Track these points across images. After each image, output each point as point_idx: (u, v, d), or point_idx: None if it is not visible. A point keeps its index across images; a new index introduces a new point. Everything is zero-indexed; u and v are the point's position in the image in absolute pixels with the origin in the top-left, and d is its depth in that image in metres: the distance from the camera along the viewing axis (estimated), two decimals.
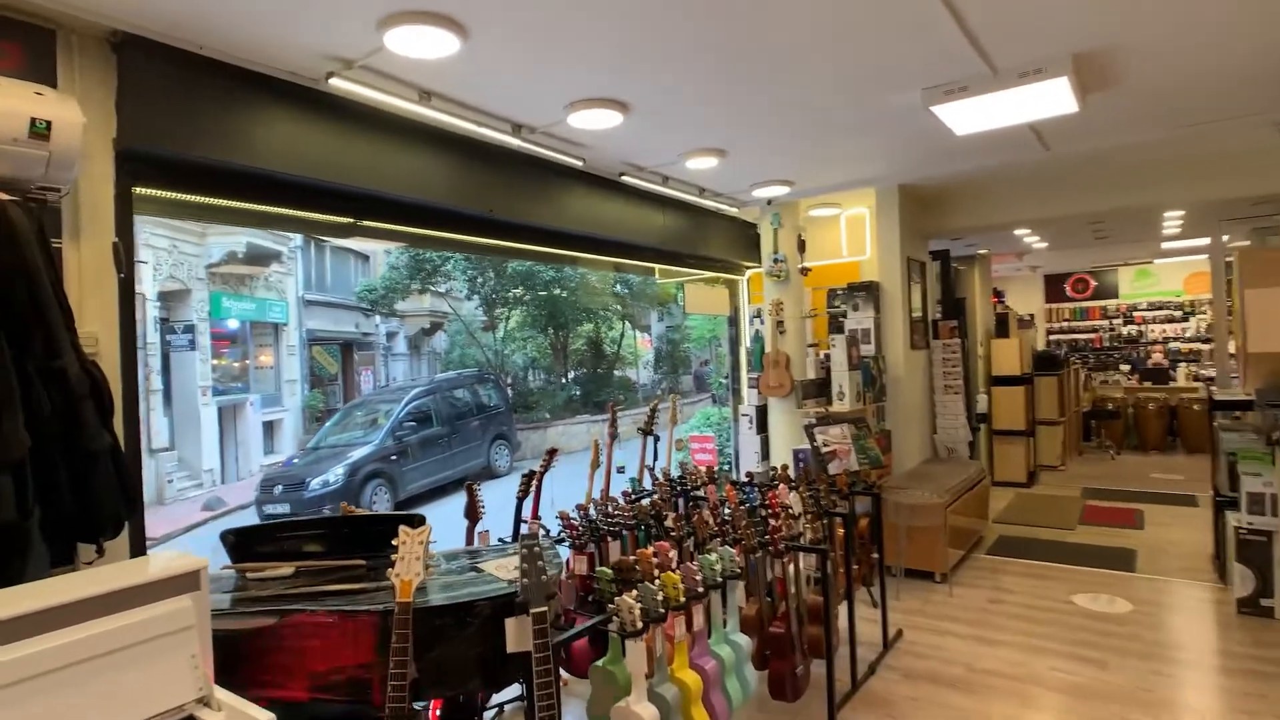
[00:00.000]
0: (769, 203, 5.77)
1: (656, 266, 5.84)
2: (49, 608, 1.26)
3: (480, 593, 2.02)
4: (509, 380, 17.28)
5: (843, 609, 3.60)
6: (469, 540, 2.98)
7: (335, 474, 9.58)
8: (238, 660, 1.92)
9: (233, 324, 15.45)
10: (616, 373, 19.15)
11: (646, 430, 4.15)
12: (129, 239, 2.54)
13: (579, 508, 3.26)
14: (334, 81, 2.88)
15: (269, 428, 16.44)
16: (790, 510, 3.21)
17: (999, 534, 6.13)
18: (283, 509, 9.42)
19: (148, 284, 12.50)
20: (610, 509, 3.24)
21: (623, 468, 3.99)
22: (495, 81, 3.02)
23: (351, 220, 3.27)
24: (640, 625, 2.21)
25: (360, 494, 9.69)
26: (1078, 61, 3.15)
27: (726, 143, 4.12)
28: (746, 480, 4.04)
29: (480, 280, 15.81)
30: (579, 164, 4.06)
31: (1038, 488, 8.01)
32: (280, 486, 9.58)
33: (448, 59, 2.77)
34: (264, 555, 2.25)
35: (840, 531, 3.61)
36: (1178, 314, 13.39)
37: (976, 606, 4.55)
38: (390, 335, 23.99)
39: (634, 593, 2.26)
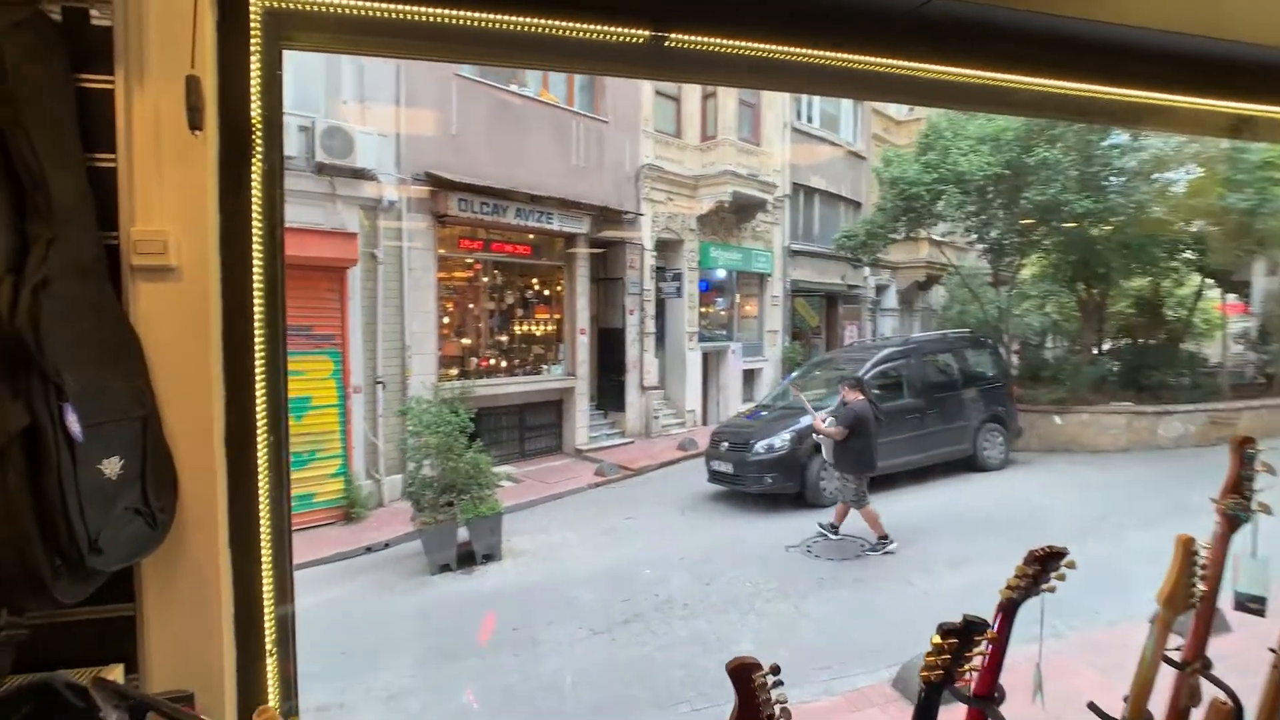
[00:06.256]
0: None
1: None
2: None
3: None
4: (1015, 347, 13.78)
5: None
6: None
7: (782, 439, 8.53)
8: None
9: (720, 274, 15.90)
10: (1183, 346, 13.58)
11: (1236, 508, 1.62)
12: (237, 74, 1.50)
13: None
14: None
15: (748, 376, 16.70)
16: None
17: None
18: (726, 468, 8.85)
19: (646, 235, 13.46)
20: None
21: None
22: None
23: (649, 33, 1.72)
24: None
25: (806, 467, 8.45)
26: None
27: None
28: None
29: (984, 219, 12.64)
30: None
31: None
32: (726, 444, 9.01)
33: None
34: None
35: None
36: None
37: None
38: (880, 289, 22.20)
39: None
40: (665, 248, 14.21)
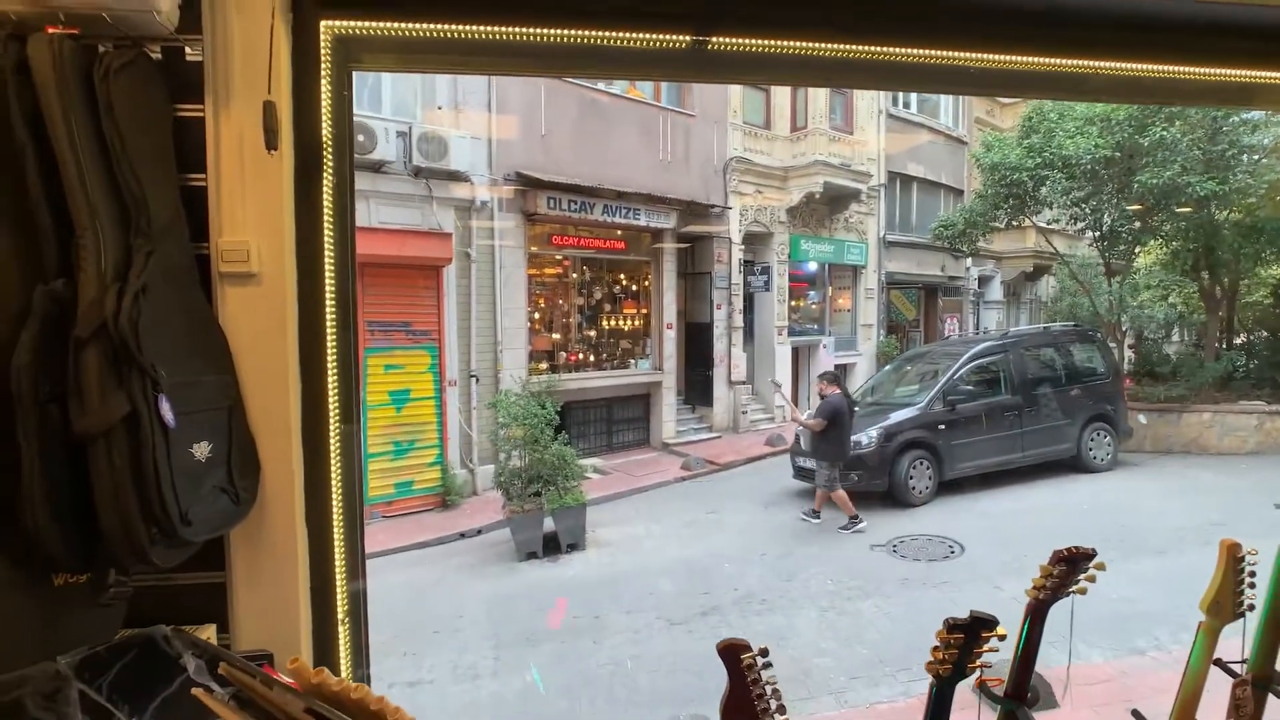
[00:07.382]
0: None
1: None
2: None
3: None
4: (1130, 342, 12.77)
5: None
6: None
7: (869, 436, 8.30)
8: None
9: (811, 266, 15.56)
10: None
11: None
12: (308, 98, 1.65)
13: None
14: None
15: (841, 371, 16.26)
16: None
17: None
18: (811, 464, 8.69)
19: (733, 229, 13.35)
20: None
21: None
22: None
23: (691, 37, 1.76)
24: None
25: (894, 465, 8.19)
26: None
27: None
28: None
29: (1093, 205, 11.74)
30: None
31: None
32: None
33: None
34: None
35: None
36: None
37: None
38: (983, 280, 21.05)
39: None
40: (754, 241, 14.06)
